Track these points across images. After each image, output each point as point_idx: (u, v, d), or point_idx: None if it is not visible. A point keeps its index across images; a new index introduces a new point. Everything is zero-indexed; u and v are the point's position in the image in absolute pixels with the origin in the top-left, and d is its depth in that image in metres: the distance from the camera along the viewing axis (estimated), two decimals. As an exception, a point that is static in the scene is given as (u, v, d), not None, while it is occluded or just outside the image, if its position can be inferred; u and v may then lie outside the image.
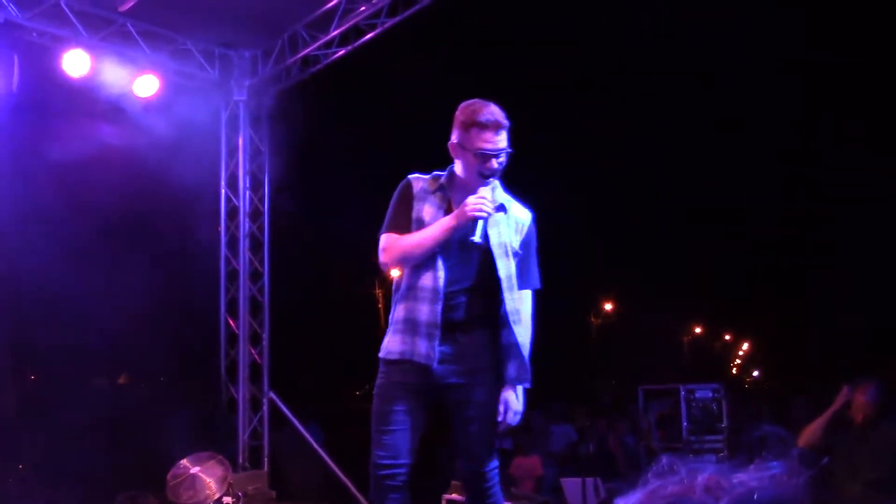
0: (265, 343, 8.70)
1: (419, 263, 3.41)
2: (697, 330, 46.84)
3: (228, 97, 8.79)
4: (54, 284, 9.23)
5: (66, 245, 9.56)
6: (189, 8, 7.66)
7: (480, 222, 3.31)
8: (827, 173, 31.01)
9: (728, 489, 1.05)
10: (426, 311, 3.38)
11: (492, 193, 3.36)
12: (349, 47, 8.02)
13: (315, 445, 8.29)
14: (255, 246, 8.83)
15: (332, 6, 7.75)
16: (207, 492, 6.58)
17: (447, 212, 3.43)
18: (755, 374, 50.11)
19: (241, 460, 8.46)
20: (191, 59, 8.43)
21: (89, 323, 9.09)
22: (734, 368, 52.63)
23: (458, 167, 3.48)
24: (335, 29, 7.84)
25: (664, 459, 1.15)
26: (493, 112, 3.34)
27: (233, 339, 8.74)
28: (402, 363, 3.42)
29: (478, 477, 3.49)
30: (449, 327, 3.39)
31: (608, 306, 37.70)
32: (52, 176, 8.86)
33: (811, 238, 32.98)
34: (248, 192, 8.84)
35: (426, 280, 3.40)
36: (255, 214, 8.87)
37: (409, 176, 3.57)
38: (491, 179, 3.37)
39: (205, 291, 9.02)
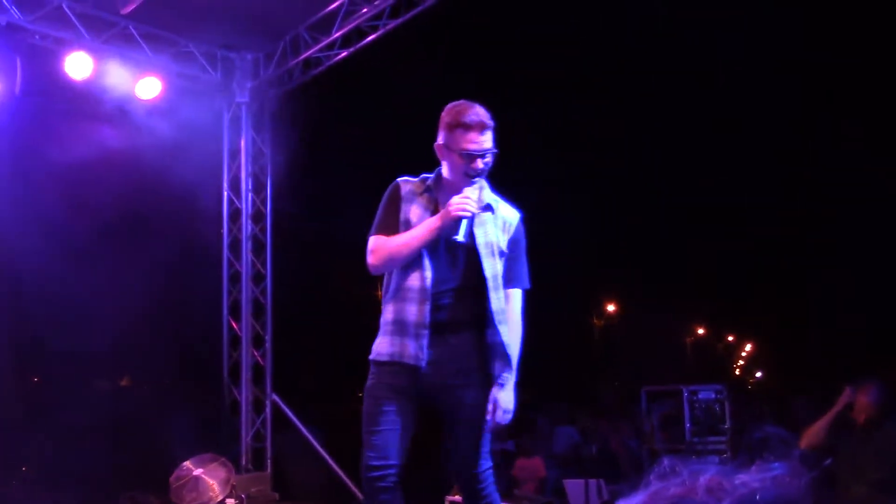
0: (268, 345, 8.71)
1: (407, 264, 3.43)
2: (700, 331, 46.81)
3: (231, 99, 8.80)
4: (57, 286, 9.25)
5: (69, 247, 9.57)
6: (191, 10, 7.67)
7: (465, 221, 3.31)
8: (826, 173, 30.99)
9: (730, 490, 1.05)
10: (414, 312, 3.39)
11: (477, 193, 3.37)
12: (351, 49, 8.02)
13: (318, 447, 8.30)
14: (258, 248, 8.84)
15: (334, 8, 7.76)
16: (210, 494, 6.59)
17: (434, 213, 3.44)
18: (758, 375, 50.02)
19: (244, 462, 8.46)
20: (193, 62, 8.44)
21: (92, 325, 9.09)
22: (737, 369, 52.55)
23: (444, 169, 3.50)
24: (337, 31, 7.85)
25: (666, 461, 1.15)
26: (478, 113, 3.37)
27: (235, 341, 8.74)
28: (391, 365, 3.43)
29: (471, 479, 3.48)
30: (437, 328, 3.39)
31: (610, 307, 37.69)
32: (55, 178, 8.87)
33: (812, 238, 32.96)
34: (250, 194, 8.85)
35: (413, 281, 3.41)
36: (258, 216, 8.88)
37: (398, 179, 3.59)
38: (477, 179, 3.39)
39: (207, 293, 9.03)
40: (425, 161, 3.62)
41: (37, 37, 7.45)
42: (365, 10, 7.59)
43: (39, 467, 8.03)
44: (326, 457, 8.26)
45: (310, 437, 8.38)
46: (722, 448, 9.25)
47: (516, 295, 3.52)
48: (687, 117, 30.92)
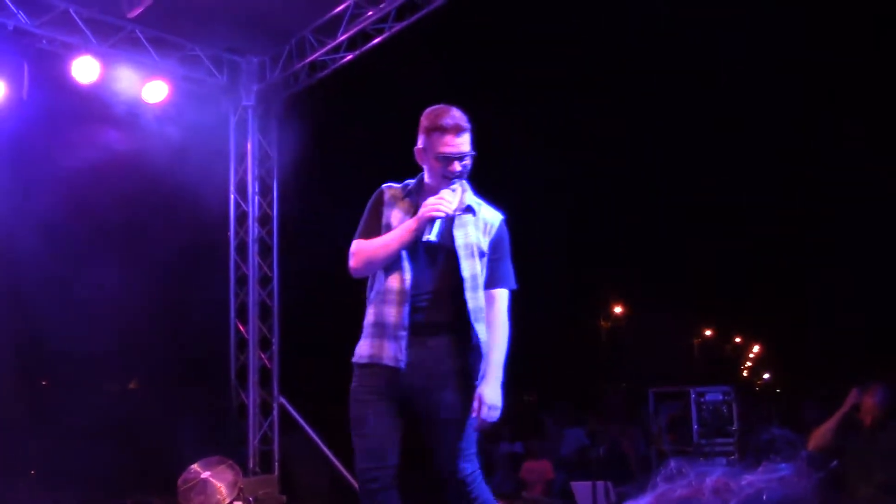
0: (275, 347, 8.72)
1: (387, 267, 3.45)
2: (707, 332, 46.69)
3: (237, 103, 8.82)
4: (63, 289, 9.26)
5: (76, 250, 9.60)
6: (197, 14, 7.69)
7: (438, 222, 3.32)
8: (826, 172, 30.97)
9: (736, 491, 1.06)
10: (393, 314, 3.41)
11: (453, 195, 3.40)
12: (357, 52, 8.03)
13: (325, 449, 8.31)
14: (265, 251, 8.86)
15: (340, 11, 7.77)
16: (218, 496, 6.60)
17: (414, 216, 3.47)
18: (766, 376, 49.92)
19: (251, 465, 8.48)
20: (199, 65, 8.46)
21: (99, 328, 9.10)
22: (745, 371, 52.43)
23: (425, 173, 3.54)
24: (343, 34, 7.86)
25: (672, 463, 1.16)
26: (454, 116, 3.40)
27: (242, 343, 8.76)
28: (371, 367, 3.46)
29: (456, 483, 3.43)
30: (415, 329, 3.41)
31: (617, 309, 37.63)
32: (63, 182, 8.89)
33: (818, 239, 32.89)
34: (257, 197, 8.87)
35: (393, 282, 3.44)
36: (265, 219, 8.90)
37: (383, 185, 3.64)
38: (456, 181, 3.42)
39: (214, 296, 9.04)
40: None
41: (44, 41, 7.47)
42: (370, 12, 7.60)
43: (47, 470, 8.04)
44: (334, 459, 8.26)
45: (317, 439, 8.39)
46: (730, 450, 9.23)
47: (502, 295, 3.53)
48: (688, 116, 30.89)
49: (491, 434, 11.16)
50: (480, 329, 3.43)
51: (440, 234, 3.33)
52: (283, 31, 8.22)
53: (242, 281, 8.81)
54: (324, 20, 7.96)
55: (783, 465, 1.11)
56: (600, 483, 7.32)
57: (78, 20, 7.45)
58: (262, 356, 8.74)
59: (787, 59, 31.16)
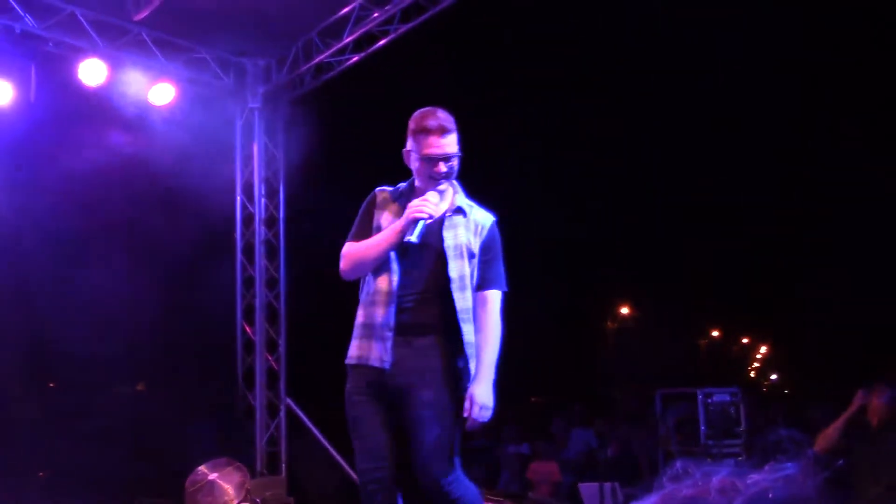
0: (282, 349, 8.73)
1: (377, 268, 3.48)
2: (714, 333, 46.60)
3: (243, 105, 8.84)
4: (71, 291, 9.27)
5: (83, 252, 9.61)
6: (203, 17, 7.70)
7: (420, 223, 3.34)
8: (824, 172, 30.89)
9: (742, 490, 1.06)
10: (380, 315, 3.43)
11: (439, 196, 3.43)
12: (363, 54, 8.04)
13: (332, 451, 8.31)
14: (271, 253, 8.87)
15: (346, 13, 7.78)
16: (226, 498, 6.61)
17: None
18: (773, 377, 49.79)
19: (258, 466, 8.49)
20: (206, 68, 8.48)
21: (106, 330, 9.12)
22: (752, 372, 52.31)
23: (414, 175, 3.57)
24: (348, 36, 7.87)
25: (678, 463, 1.16)
26: (438, 117, 3.43)
27: (249, 345, 8.77)
28: (360, 368, 3.48)
29: (437, 486, 3.35)
30: (402, 329, 3.42)
31: (624, 310, 37.59)
32: (70, 184, 8.90)
33: (824, 239, 32.80)
34: (263, 199, 8.89)
35: (381, 283, 3.46)
36: (271, 221, 8.91)
37: (377, 188, 3.67)
38: (443, 182, 3.44)
39: (221, 298, 9.05)
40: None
41: (51, 44, 7.50)
42: (376, 14, 7.60)
43: (56, 473, 8.05)
44: (340, 460, 8.27)
45: (324, 440, 8.40)
46: (737, 451, 9.22)
47: (493, 296, 3.53)
48: (686, 116, 30.83)
49: (494, 436, 11.20)
50: (468, 330, 3.44)
51: (421, 235, 3.35)
52: (288, 33, 8.24)
53: (249, 283, 8.82)
54: (329, 22, 7.97)
55: (789, 464, 1.11)
56: (607, 484, 7.31)
57: (85, 23, 7.48)
58: (269, 358, 8.75)
59: (784, 60, 31.11)
